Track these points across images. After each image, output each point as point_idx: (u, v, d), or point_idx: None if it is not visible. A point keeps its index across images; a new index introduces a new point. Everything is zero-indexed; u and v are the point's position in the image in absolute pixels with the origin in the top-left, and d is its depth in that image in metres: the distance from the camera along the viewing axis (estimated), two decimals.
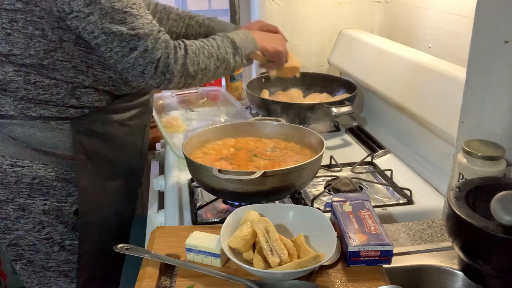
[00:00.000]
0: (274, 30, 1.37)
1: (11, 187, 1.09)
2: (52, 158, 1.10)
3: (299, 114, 1.50)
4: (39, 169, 1.09)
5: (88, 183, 1.14)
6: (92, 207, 1.16)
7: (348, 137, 1.60)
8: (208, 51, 1.09)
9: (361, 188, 1.23)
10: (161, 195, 1.38)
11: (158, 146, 1.81)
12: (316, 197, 1.15)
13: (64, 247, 1.17)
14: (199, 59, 1.07)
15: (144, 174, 1.41)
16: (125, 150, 1.23)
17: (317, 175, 1.14)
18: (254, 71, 2.06)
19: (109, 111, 1.14)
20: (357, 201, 0.97)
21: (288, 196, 1.12)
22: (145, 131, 1.31)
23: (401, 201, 1.16)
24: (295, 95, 1.69)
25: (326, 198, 1.18)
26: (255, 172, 0.95)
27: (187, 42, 1.08)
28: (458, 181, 0.96)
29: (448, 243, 0.94)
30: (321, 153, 1.06)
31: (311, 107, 1.49)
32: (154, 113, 1.51)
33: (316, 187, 1.24)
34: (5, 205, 1.11)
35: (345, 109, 1.48)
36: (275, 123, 1.25)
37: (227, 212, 1.11)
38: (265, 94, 1.70)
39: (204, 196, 1.22)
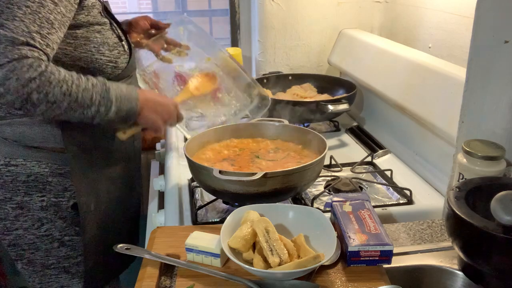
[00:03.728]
0: (162, 26, 1.32)
1: (8, 186, 1.10)
2: (45, 154, 1.10)
3: (297, 112, 1.50)
4: (33, 166, 1.10)
5: (83, 173, 1.13)
6: (89, 196, 1.16)
7: (348, 137, 1.60)
8: (68, 88, 0.93)
9: (361, 188, 1.23)
10: (161, 195, 1.38)
11: (158, 146, 1.81)
12: (316, 197, 1.15)
13: (63, 243, 1.18)
14: (51, 90, 0.91)
15: (141, 157, 1.36)
16: (115, 136, 1.18)
17: None
18: (254, 71, 2.06)
19: None
20: (357, 201, 0.97)
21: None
22: None
23: (401, 201, 1.16)
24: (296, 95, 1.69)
25: (326, 198, 1.18)
26: (255, 173, 0.95)
27: (51, 68, 0.92)
28: (458, 181, 0.96)
29: (448, 243, 0.94)
30: (323, 155, 1.06)
31: (308, 105, 1.49)
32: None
33: (316, 187, 1.24)
34: (3, 205, 1.11)
35: (341, 107, 1.48)
36: (277, 124, 1.25)
37: (227, 212, 1.11)
38: None
39: (204, 196, 1.22)
